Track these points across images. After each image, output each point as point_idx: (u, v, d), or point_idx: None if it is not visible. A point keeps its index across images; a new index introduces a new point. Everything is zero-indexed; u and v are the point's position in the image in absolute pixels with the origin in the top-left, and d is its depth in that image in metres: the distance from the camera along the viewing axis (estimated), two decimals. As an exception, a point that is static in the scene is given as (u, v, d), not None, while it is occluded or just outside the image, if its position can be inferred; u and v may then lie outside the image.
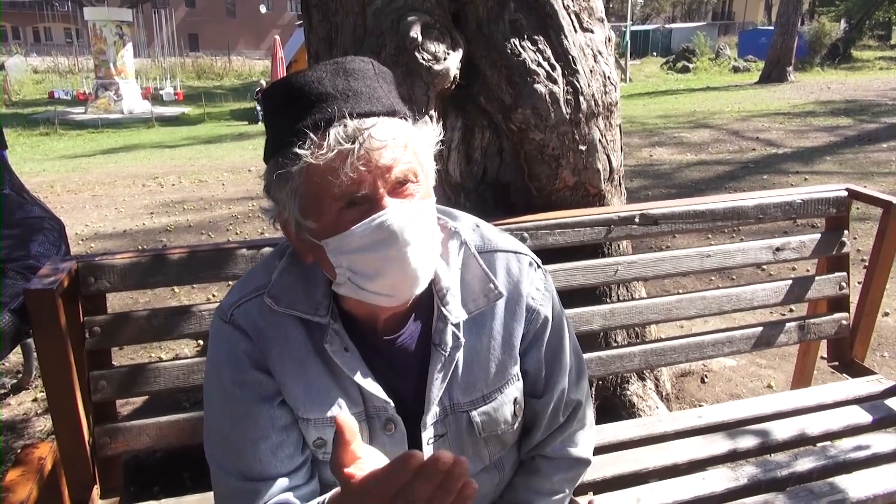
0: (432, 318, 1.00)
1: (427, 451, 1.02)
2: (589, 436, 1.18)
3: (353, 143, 0.82)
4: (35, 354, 2.98)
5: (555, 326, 1.08)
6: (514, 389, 1.06)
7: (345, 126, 0.82)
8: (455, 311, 0.99)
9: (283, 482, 0.97)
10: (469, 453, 1.05)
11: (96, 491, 1.58)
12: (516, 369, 1.06)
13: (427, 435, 1.01)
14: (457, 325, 0.99)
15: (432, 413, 1.00)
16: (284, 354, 0.98)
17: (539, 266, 1.09)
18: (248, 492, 0.96)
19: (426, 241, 0.89)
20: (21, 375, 3.10)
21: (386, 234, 0.85)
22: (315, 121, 0.83)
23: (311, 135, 0.82)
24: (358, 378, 0.97)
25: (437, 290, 0.99)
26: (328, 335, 0.96)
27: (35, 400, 2.96)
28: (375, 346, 1.00)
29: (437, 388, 0.99)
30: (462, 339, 1.00)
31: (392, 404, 0.99)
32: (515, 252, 1.07)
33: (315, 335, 0.98)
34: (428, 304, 1.00)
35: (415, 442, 1.02)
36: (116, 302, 3.80)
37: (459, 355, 1.01)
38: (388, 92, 0.89)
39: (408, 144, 0.88)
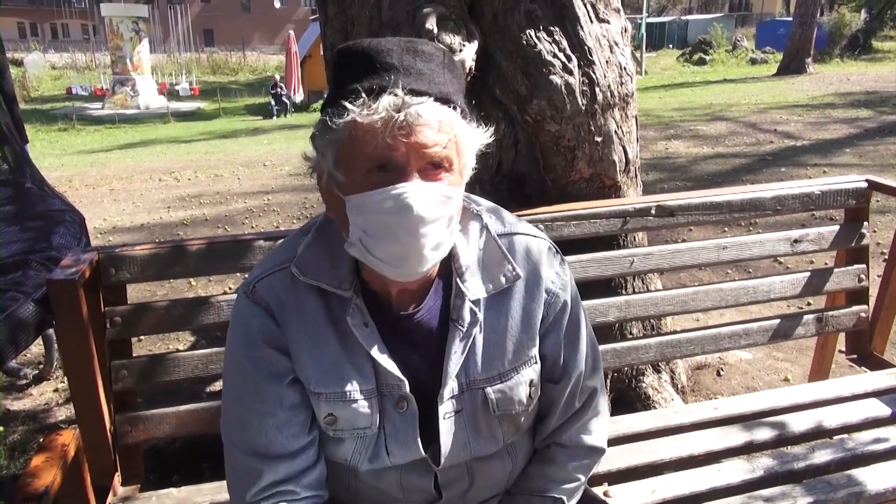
0: (451, 296, 1.03)
1: (443, 426, 1.03)
2: (603, 424, 1.19)
3: (399, 112, 0.85)
4: (56, 345, 3.03)
5: (573, 311, 1.11)
6: (531, 371, 1.08)
7: (396, 95, 0.86)
8: (473, 289, 1.02)
9: (287, 467, 0.99)
10: (483, 432, 1.07)
11: (117, 478, 1.61)
12: (534, 351, 1.08)
13: (444, 410, 1.03)
14: (475, 302, 1.02)
15: (449, 388, 1.02)
16: (301, 327, 1.00)
17: (558, 251, 1.11)
18: (252, 470, 0.99)
19: (441, 225, 0.91)
20: (42, 366, 3.15)
21: (402, 204, 0.87)
22: (371, 84, 0.87)
23: (364, 95, 0.86)
24: (375, 353, 0.99)
25: (457, 268, 1.02)
26: (350, 308, 0.99)
27: (56, 390, 3.01)
28: (393, 323, 1.02)
29: (454, 363, 1.01)
30: (480, 316, 1.02)
31: (406, 382, 1.01)
32: (535, 236, 1.10)
33: (334, 309, 1.00)
34: (448, 282, 1.03)
35: (428, 419, 1.03)
36: (134, 294, 3.85)
37: (477, 332, 1.03)
38: (449, 81, 0.92)
39: (452, 133, 0.91)
